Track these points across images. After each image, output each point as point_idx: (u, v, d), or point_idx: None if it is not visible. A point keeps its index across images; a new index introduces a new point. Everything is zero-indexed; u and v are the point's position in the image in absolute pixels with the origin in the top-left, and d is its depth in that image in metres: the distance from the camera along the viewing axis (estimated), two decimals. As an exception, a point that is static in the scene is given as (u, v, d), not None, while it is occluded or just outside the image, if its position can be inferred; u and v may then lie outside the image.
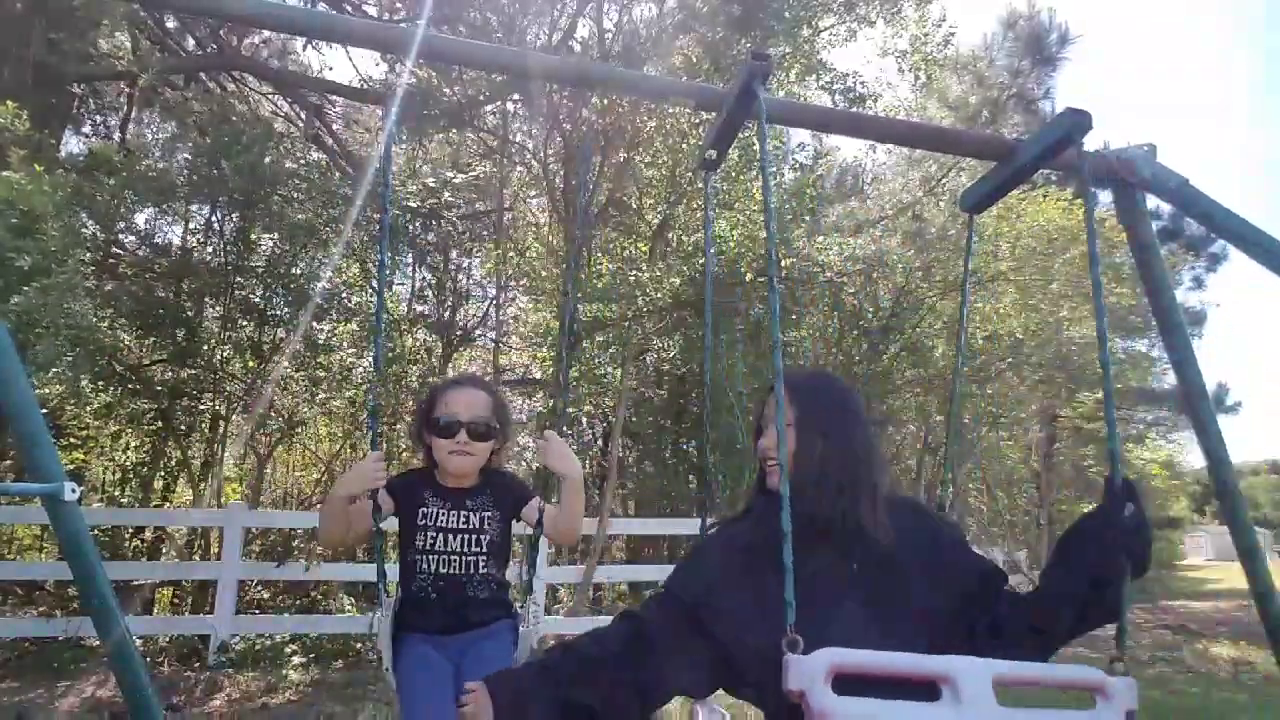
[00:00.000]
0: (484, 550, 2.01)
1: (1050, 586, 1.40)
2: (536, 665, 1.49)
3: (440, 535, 1.99)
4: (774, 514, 1.28)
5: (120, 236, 8.20)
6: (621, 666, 1.38)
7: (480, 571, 1.99)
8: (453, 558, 1.98)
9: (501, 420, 2.10)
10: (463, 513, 2.02)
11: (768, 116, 1.62)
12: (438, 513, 2.01)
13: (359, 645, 6.03)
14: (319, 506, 9.58)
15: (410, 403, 9.59)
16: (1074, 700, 1.25)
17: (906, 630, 1.30)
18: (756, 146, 9.58)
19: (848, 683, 1.10)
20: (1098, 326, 1.48)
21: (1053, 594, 1.38)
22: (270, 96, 10.05)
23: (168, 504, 8.89)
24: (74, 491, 1.95)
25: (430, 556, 1.98)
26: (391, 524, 2.03)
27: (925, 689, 1.13)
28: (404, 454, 10.69)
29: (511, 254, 11.28)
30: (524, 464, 10.07)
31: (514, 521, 2.11)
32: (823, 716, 1.07)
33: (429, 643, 1.94)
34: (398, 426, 10.22)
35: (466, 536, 2.00)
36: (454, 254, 10.81)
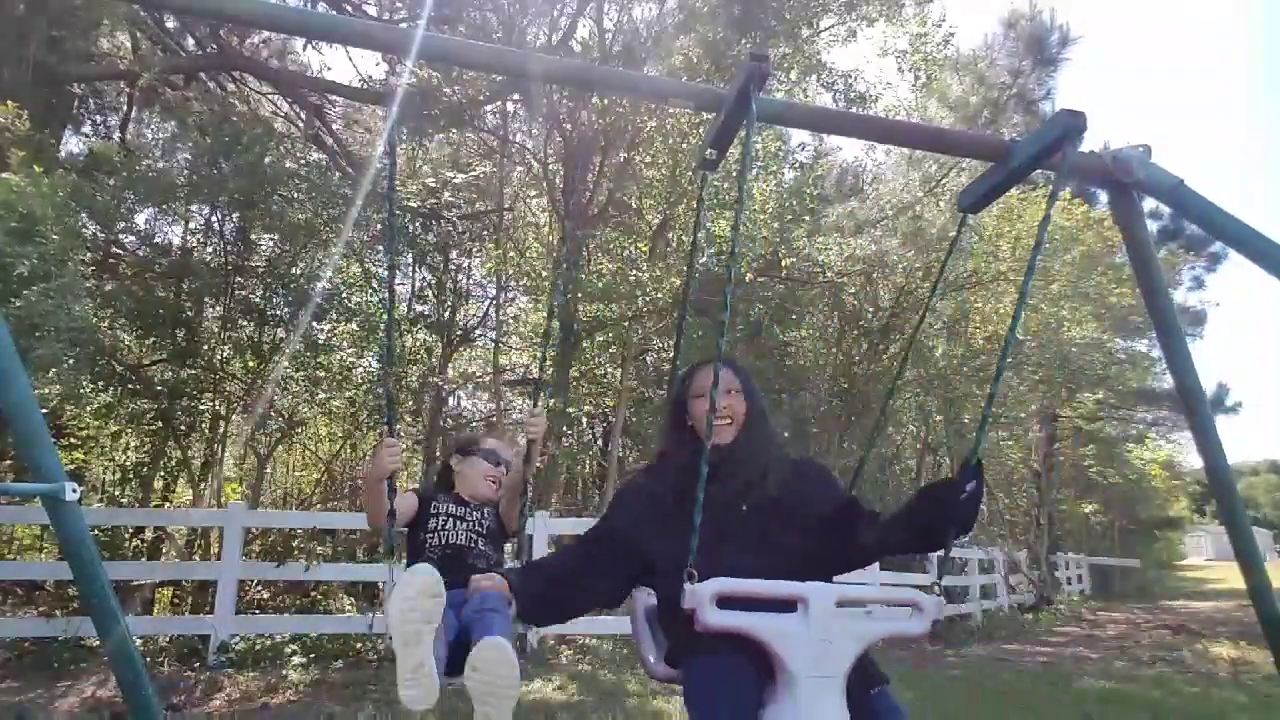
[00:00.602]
0: (483, 532, 2.42)
1: (892, 520, 1.82)
2: (521, 570, 2.02)
3: (448, 519, 2.40)
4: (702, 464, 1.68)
5: (120, 236, 8.21)
6: (577, 575, 1.96)
7: (479, 547, 2.37)
8: (457, 533, 2.38)
9: (510, 464, 2.62)
10: (467, 509, 2.47)
11: (768, 117, 1.63)
12: (445, 507, 2.43)
13: (359, 645, 6.03)
14: (318, 507, 9.58)
15: (410, 403, 9.61)
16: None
17: (781, 561, 1.73)
18: (757, 146, 9.63)
19: (729, 602, 1.52)
20: (1016, 310, 1.82)
21: (891, 523, 1.82)
22: (270, 96, 10.06)
23: (168, 504, 8.90)
24: (74, 491, 1.96)
25: (439, 534, 2.37)
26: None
27: (787, 607, 1.56)
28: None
29: (511, 254, 11.29)
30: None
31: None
32: (705, 625, 1.50)
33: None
34: (398, 426, 10.23)
35: (468, 523, 2.42)
36: (454, 254, 10.81)
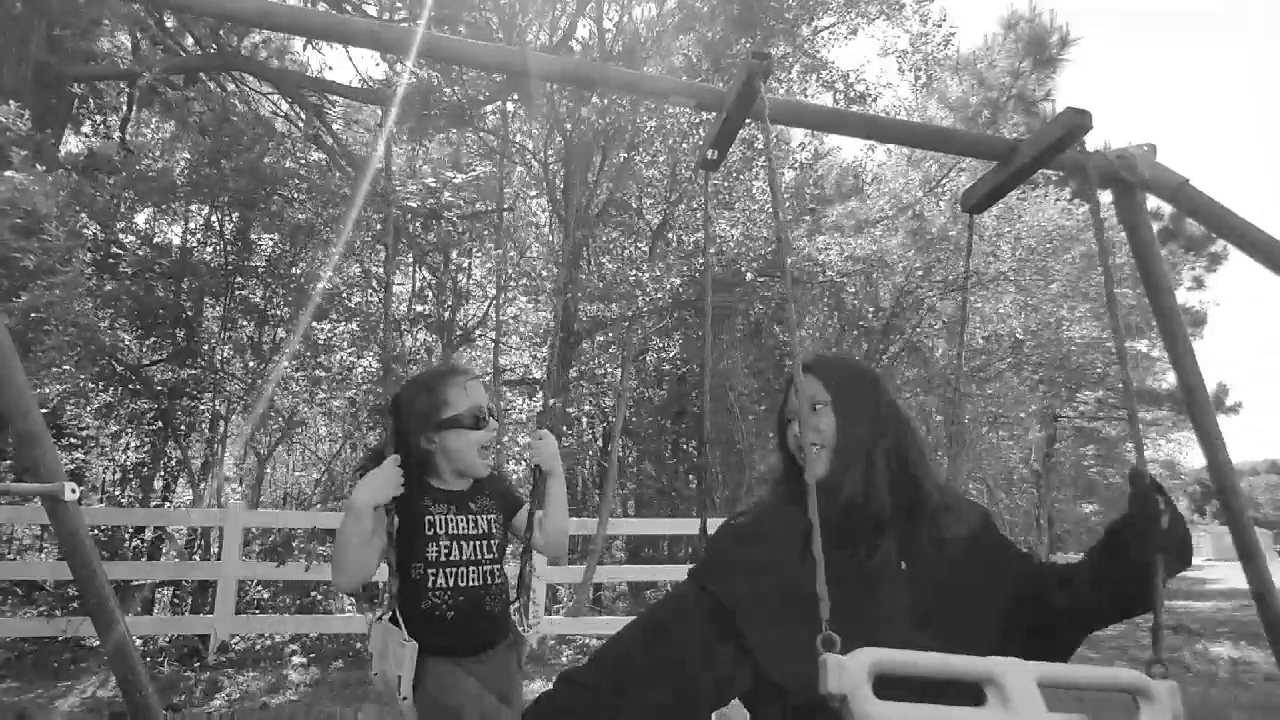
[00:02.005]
0: (496, 557, 1.85)
1: (1086, 571, 1.32)
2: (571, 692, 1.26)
3: (453, 544, 1.77)
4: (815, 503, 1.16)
5: (120, 236, 8.20)
6: (653, 684, 1.23)
7: (496, 581, 1.82)
8: (469, 569, 1.78)
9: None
10: (469, 517, 1.83)
11: (770, 116, 1.62)
12: (444, 519, 1.79)
13: (359, 645, 6.02)
14: (318, 507, 9.52)
15: (410, 403, 9.54)
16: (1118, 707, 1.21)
17: (956, 634, 1.18)
18: (758, 145, 9.63)
19: (885, 686, 1.00)
20: (1113, 323, 1.45)
21: (1086, 577, 1.31)
22: (270, 96, 10.05)
23: (168, 504, 8.89)
24: (74, 491, 1.95)
25: (446, 570, 1.75)
26: None
27: (968, 694, 1.05)
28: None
29: (512, 254, 11.28)
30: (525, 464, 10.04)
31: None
32: None
33: (461, 668, 1.71)
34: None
35: (479, 544, 1.81)
36: (454, 254, 10.81)
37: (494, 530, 1.87)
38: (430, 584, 1.74)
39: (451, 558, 1.76)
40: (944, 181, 11.22)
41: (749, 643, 1.23)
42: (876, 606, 1.25)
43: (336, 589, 1.49)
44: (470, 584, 1.77)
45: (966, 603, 1.27)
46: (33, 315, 4.86)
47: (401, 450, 1.77)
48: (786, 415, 1.43)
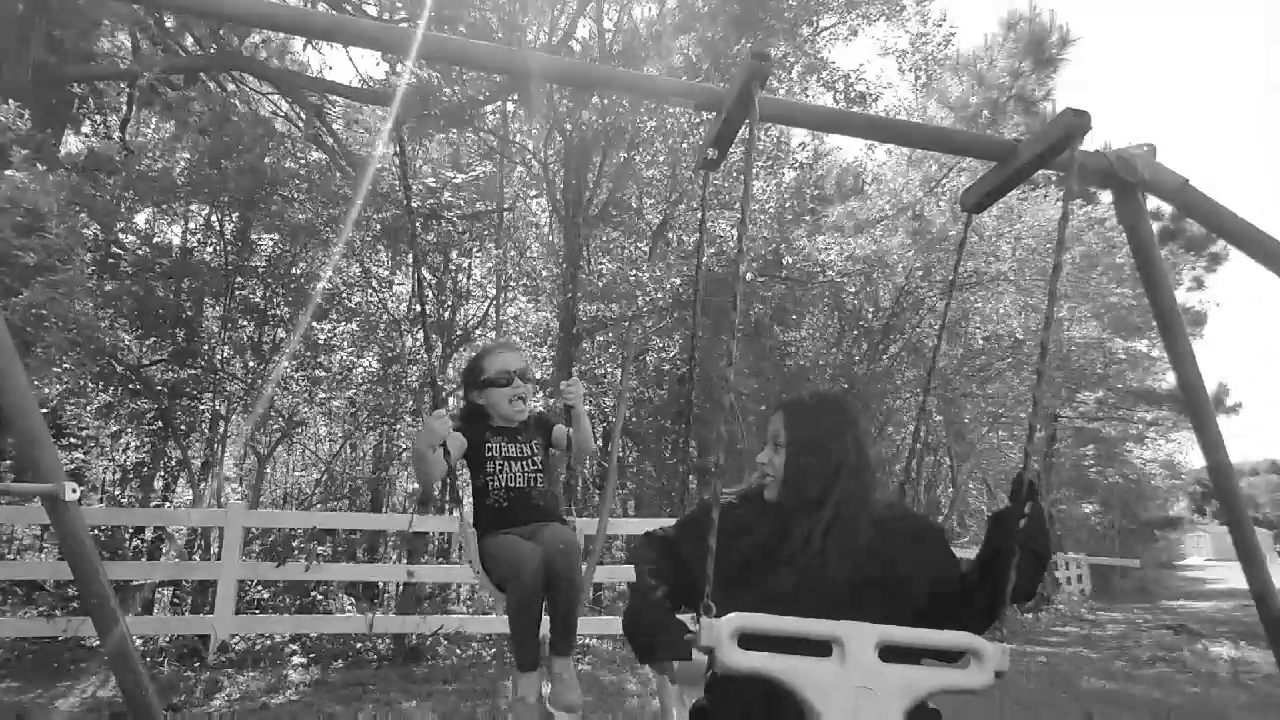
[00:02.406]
0: (538, 469, 2.59)
1: (971, 566, 1.66)
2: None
3: (506, 463, 2.54)
4: (761, 520, 1.65)
5: (120, 236, 8.21)
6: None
7: (538, 485, 2.56)
8: (517, 476, 2.53)
9: (528, 364, 2.72)
10: (518, 444, 2.58)
11: (769, 116, 1.62)
12: (501, 447, 2.55)
13: (359, 645, 6.02)
14: (318, 507, 9.55)
15: (411, 402, 9.60)
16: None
17: (876, 615, 1.45)
18: (759, 145, 9.65)
19: (755, 643, 1.33)
20: (1046, 311, 1.62)
21: (970, 569, 1.65)
22: (270, 96, 10.05)
23: (168, 504, 8.90)
24: (74, 491, 1.95)
25: (501, 477, 2.52)
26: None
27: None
28: (403, 454, 10.68)
29: (512, 254, 11.29)
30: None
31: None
32: (724, 667, 1.33)
33: (514, 535, 2.43)
34: (397, 426, 10.22)
35: (524, 463, 2.56)
36: (454, 254, 10.81)
37: (535, 451, 2.61)
38: (491, 486, 2.51)
39: (503, 471, 2.53)
40: (944, 181, 11.22)
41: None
42: (809, 588, 1.57)
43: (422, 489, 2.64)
44: (518, 485, 2.53)
45: (891, 593, 1.57)
46: (33, 313, 4.86)
47: (467, 403, 2.66)
48: (766, 440, 1.78)
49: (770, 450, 1.71)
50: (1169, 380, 15.14)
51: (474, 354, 2.76)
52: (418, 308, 10.33)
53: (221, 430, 8.90)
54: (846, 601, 1.52)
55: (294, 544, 6.96)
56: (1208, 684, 6.27)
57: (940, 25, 11.13)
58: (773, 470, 1.70)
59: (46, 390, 7.05)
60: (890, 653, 1.36)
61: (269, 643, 5.83)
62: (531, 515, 2.49)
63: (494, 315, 11.68)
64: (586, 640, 6.57)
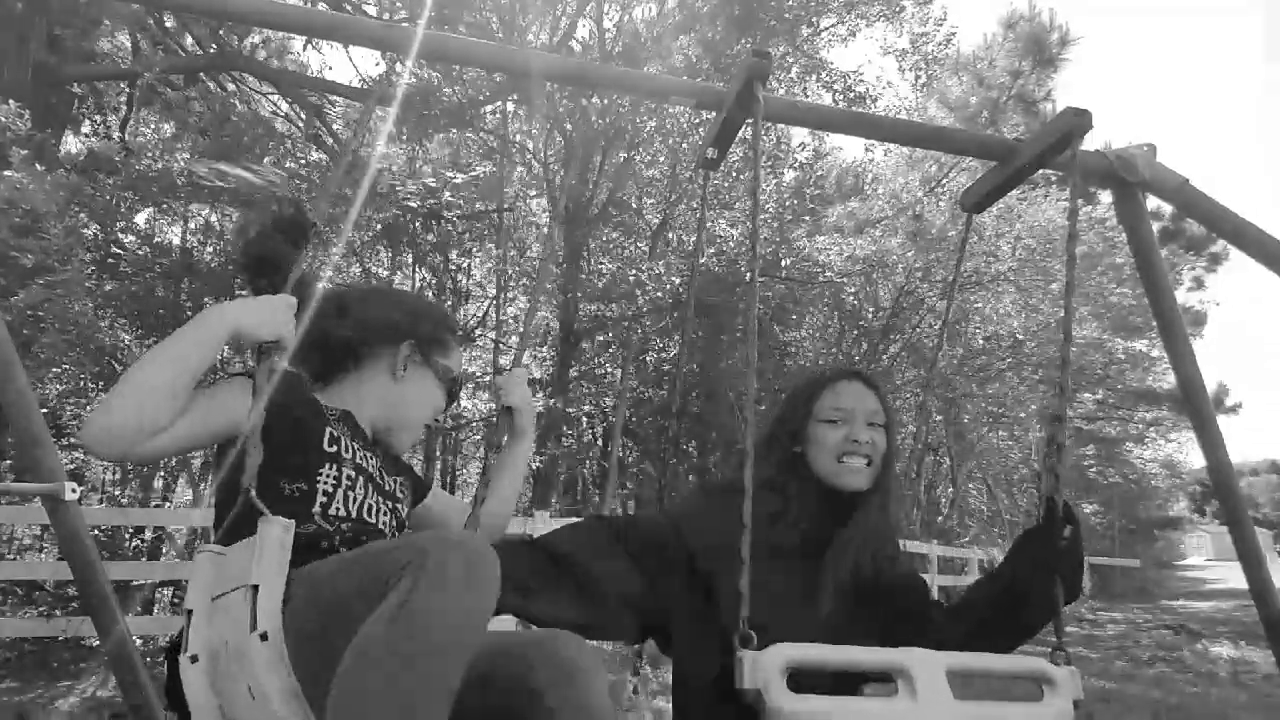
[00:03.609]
0: (404, 518, 1.50)
1: (971, 594, 1.47)
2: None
3: (359, 477, 1.36)
4: (815, 512, 1.41)
5: (120, 236, 8.20)
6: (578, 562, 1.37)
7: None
8: (371, 507, 1.36)
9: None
10: (387, 474, 1.46)
11: (768, 115, 1.62)
12: (355, 447, 1.38)
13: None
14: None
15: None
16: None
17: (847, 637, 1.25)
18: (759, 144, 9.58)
19: (801, 679, 1.08)
20: (1064, 323, 1.50)
21: (973, 600, 1.45)
22: (270, 96, 10.05)
23: (168, 504, 8.89)
24: (74, 491, 1.95)
25: (342, 494, 1.32)
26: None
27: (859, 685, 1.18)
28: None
29: (512, 254, 11.29)
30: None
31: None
32: (779, 716, 1.03)
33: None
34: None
35: (385, 503, 1.41)
36: (454, 254, 10.81)
37: (403, 497, 1.50)
38: (318, 506, 1.28)
39: (356, 489, 1.34)
40: (944, 181, 11.23)
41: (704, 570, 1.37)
42: (817, 603, 1.37)
43: (84, 442, 1.00)
44: (372, 522, 1.35)
45: (883, 620, 1.41)
46: (30, 314, 4.86)
47: (327, 345, 1.46)
48: (825, 416, 1.46)
49: (864, 427, 1.44)
50: (1169, 380, 15.13)
51: (409, 300, 1.75)
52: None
53: (221, 430, 8.90)
54: (847, 606, 1.38)
55: (294, 544, 6.94)
56: (1208, 684, 6.27)
57: (940, 25, 11.13)
58: (874, 452, 1.44)
59: (46, 390, 7.04)
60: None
61: (269, 643, 5.83)
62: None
63: (494, 315, 11.69)
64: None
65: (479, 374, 12.06)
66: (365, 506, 1.35)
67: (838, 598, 1.38)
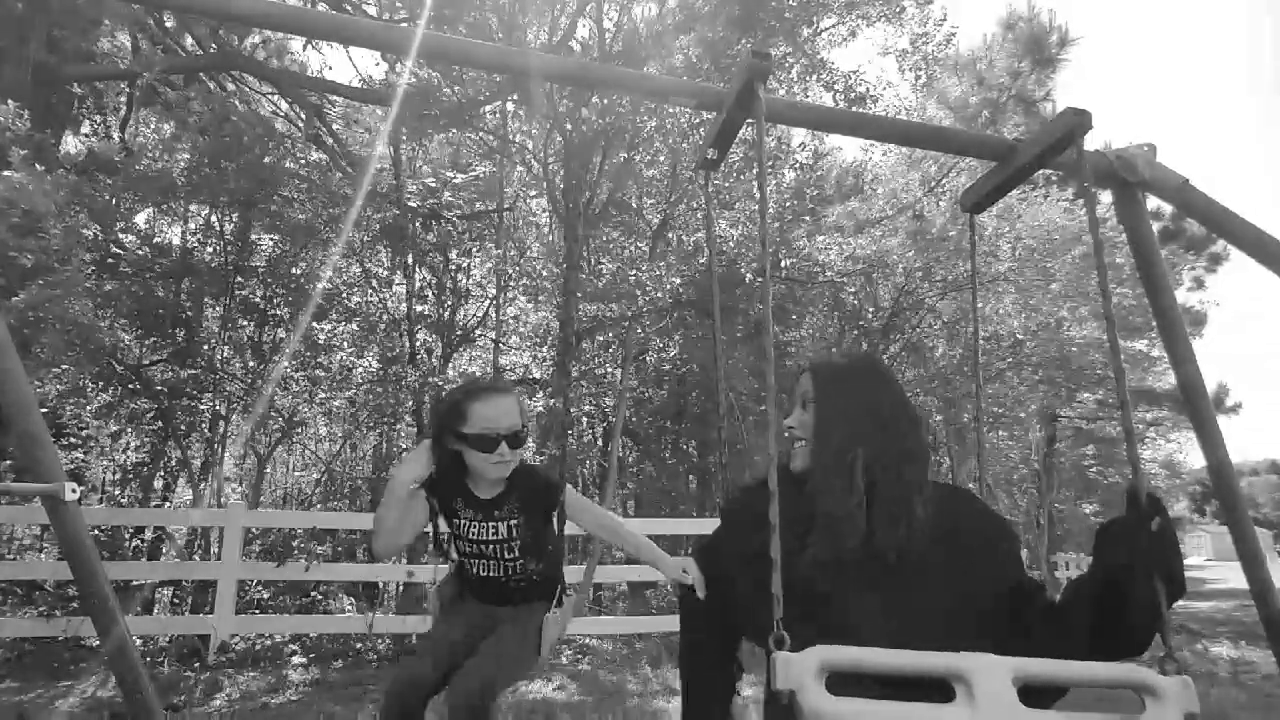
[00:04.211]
0: (516, 555, 2.02)
1: (1073, 591, 1.32)
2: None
3: (474, 546, 2.01)
4: (792, 500, 1.29)
5: (120, 236, 8.21)
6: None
7: (516, 573, 2.03)
8: (489, 563, 2.01)
9: (525, 422, 2.04)
10: (491, 524, 2.00)
11: (768, 116, 1.62)
12: (469, 525, 2.00)
13: (359, 645, 6.02)
14: (318, 507, 9.49)
15: (410, 402, 9.61)
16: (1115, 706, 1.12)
17: (930, 632, 1.17)
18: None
19: (847, 682, 1.02)
20: (1109, 334, 1.46)
21: (1074, 598, 1.30)
22: (270, 96, 10.05)
23: (168, 504, 8.89)
24: (74, 491, 1.95)
25: (470, 561, 2.04)
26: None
27: (941, 690, 1.04)
28: (403, 454, 10.62)
29: (512, 253, 11.29)
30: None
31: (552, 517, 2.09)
32: (815, 718, 0.99)
33: (465, 615, 2.10)
34: (398, 426, 10.22)
35: (497, 546, 2.00)
36: (454, 254, 10.81)
37: (516, 535, 2.00)
38: (464, 565, 2.06)
39: (474, 554, 2.01)
40: (944, 181, 11.22)
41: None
42: (847, 595, 1.27)
43: (374, 553, 1.93)
44: (489, 575, 2.02)
45: (946, 599, 1.27)
46: (31, 314, 4.86)
47: (437, 450, 1.96)
48: (792, 403, 1.51)
49: (798, 411, 1.46)
50: (1169, 380, 15.13)
51: (458, 387, 2.11)
52: (417, 308, 10.38)
53: (221, 430, 8.89)
54: (904, 586, 1.26)
55: (294, 544, 6.97)
56: (1208, 684, 6.27)
57: (940, 25, 11.13)
58: (803, 430, 1.43)
59: (46, 390, 7.05)
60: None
61: (269, 643, 5.83)
62: (505, 598, 2.04)
63: (494, 315, 11.68)
64: (587, 640, 6.57)
65: (478, 374, 12.07)
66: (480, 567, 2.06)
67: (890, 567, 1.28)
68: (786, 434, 1.48)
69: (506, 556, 2.00)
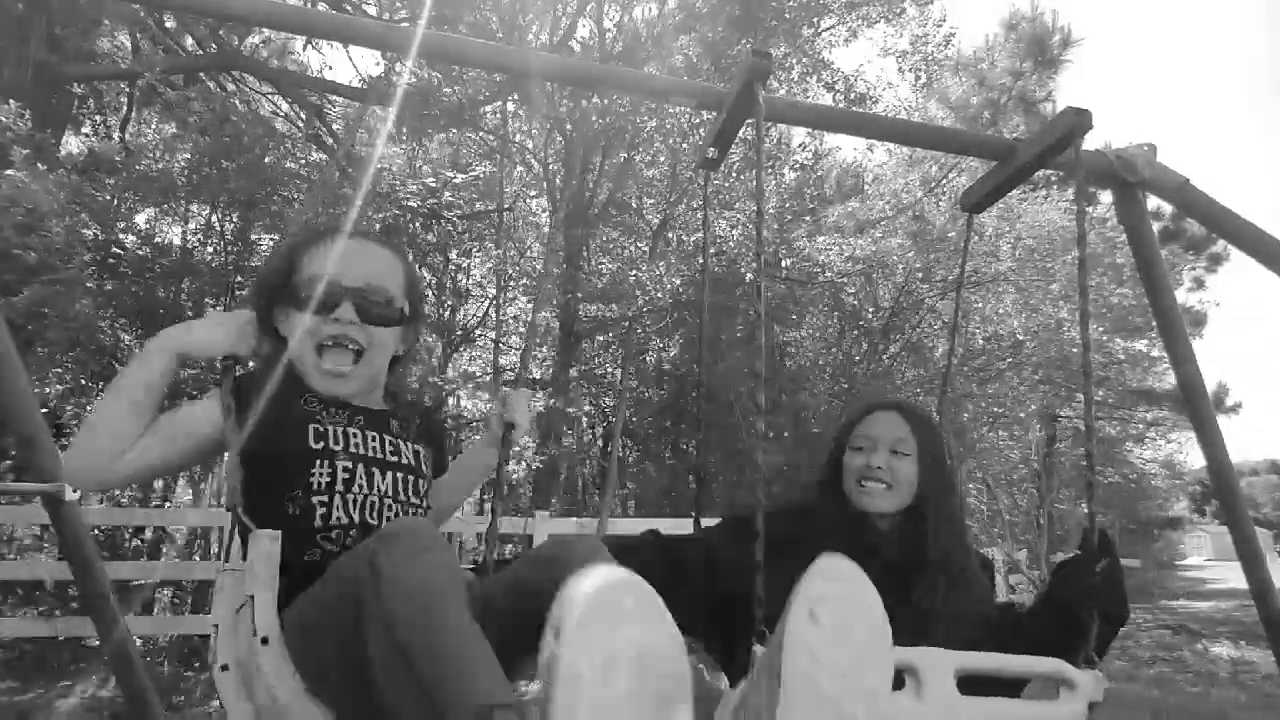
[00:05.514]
0: (422, 504, 1.29)
1: (1034, 613, 1.50)
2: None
3: (356, 466, 1.20)
4: (855, 534, 1.49)
5: (120, 236, 8.20)
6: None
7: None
8: (383, 502, 1.21)
9: (413, 301, 1.34)
10: (387, 437, 1.27)
11: (769, 115, 1.62)
12: (342, 432, 1.22)
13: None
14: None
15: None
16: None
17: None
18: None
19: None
20: (1081, 334, 1.51)
21: (1033, 617, 1.49)
22: (270, 96, 10.05)
23: (168, 504, 8.89)
24: (74, 491, 1.96)
25: (339, 500, 1.17)
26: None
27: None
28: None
29: (512, 253, 11.29)
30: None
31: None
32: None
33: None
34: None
35: (398, 476, 1.24)
36: (454, 254, 10.81)
37: (423, 467, 1.33)
38: (318, 520, 1.16)
39: (355, 487, 1.19)
40: (944, 181, 11.22)
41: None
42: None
43: (65, 480, 1.34)
44: (387, 520, 1.20)
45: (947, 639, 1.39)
46: (33, 312, 4.87)
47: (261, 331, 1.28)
48: (855, 443, 1.61)
49: (886, 454, 1.56)
50: (1169, 380, 15.13)
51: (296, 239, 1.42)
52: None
53: (221, 430, 8.90)
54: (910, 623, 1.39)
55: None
56: (1208, 684, 6.27)
57: (940, 25, 11.14)
58: (891, 478, 1.54)
59: (46, 390, 7.04)
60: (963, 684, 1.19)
61: (269, 643, 5.83)
62: None
63: (494, 315, 11.69)
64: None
65: (478, 374, 12.07)
66: (368, 505, 1.20)
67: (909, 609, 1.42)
68: (861, 474, 1.56)
69: (412, 498, 1.27)
